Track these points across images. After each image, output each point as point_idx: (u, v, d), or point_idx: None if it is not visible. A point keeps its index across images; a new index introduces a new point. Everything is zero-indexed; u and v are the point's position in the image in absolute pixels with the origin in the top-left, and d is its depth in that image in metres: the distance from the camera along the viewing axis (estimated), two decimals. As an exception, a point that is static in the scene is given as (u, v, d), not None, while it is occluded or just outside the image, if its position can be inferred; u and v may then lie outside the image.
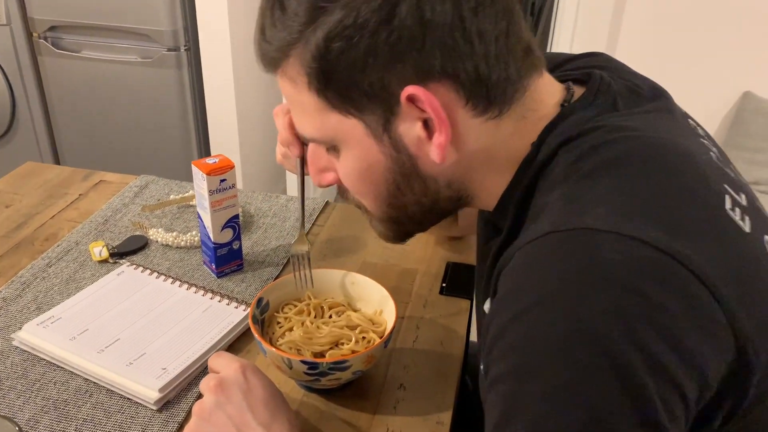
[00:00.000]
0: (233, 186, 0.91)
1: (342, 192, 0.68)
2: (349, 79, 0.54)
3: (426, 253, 1.03)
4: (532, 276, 0.49)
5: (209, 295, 0.90)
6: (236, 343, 0.85)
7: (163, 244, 1.03)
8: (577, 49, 2.91)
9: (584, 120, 0.57)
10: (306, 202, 1.15)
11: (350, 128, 0.57)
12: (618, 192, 0.50)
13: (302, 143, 0.83)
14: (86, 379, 0.78)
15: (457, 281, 0.97)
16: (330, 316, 0.81)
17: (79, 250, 1.01)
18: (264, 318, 0.80)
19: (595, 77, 0.60)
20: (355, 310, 0.82)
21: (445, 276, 0.98)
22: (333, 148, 0.61)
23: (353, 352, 0.74)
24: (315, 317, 0.80)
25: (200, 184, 0.91)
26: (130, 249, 1.01)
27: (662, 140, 0.54)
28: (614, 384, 0.43)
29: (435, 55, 0.52)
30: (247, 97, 2.24)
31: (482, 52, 0.53)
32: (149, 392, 0.74)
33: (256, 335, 0.73)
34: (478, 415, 1.03)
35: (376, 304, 0.81)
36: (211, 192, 0.90)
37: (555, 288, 0.46)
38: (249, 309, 0.78)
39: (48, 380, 0.77)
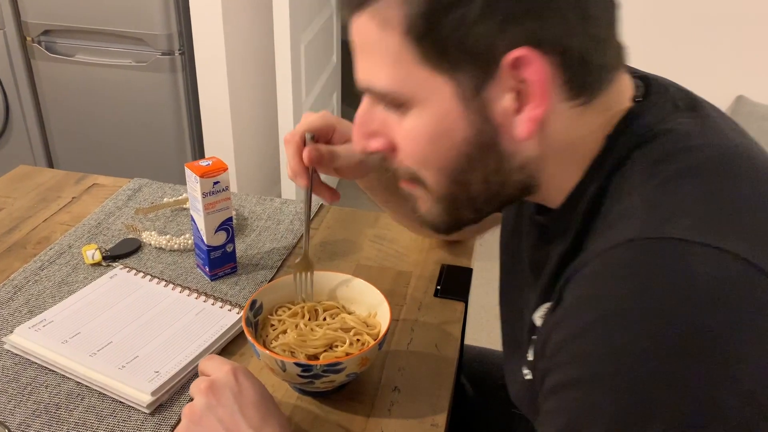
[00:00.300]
0: (227, 188, 0.91)
1: (387, 163, 0.61)
2: (455, 33, 0.50)
3: (420, 255, 1.02)
4: (615, 284, 0.46)
5: (202, 297, 0.90)
6: (230, 346, 0.84)
7: (156, 247, 1.03)
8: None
9: (656, 120, 0.55)
10: (301, 205, 1.14)
11: (437, 86, 0.53)
12: (702, 201, 0.48)
13: (309, 174, 0.81)
14: (78, 383, 0.77)
15: (451, 284, 0.96)
16: (324, 319, 0.80)
17: (72, 253, 1.00)
18: (257, 321, 0.79)
19: (651, 79, 0.59)
20: (349, 313, 0.82)
21: (440, 279, 0.97)
22: (401, 107, 0.55)
23: (347, 354, 0.73)
24: (309, 320, 0.80)
25: (193, 186, 0.90)
26: (123, 252, 1.00)
27: (737, 148, 0.53)
28: (695, 404, 0.42)
29: (552, 26, 0.50)
30: (241, 101, 2.23)
31: (592, 34, 0.52)
32: (141, 395, 0.74)
33: (249, 338, 0.72)
34: (477, 420, 1.03)
35: (371, 306, 0.81)
36: (204, 194, 0.89)
37: (640, 298, 0.44)
38: (242, 312, 0.77)
39: (39, 384, 0.77)
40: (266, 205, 1.14)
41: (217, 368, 0.66)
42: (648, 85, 0.59)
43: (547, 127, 0.54)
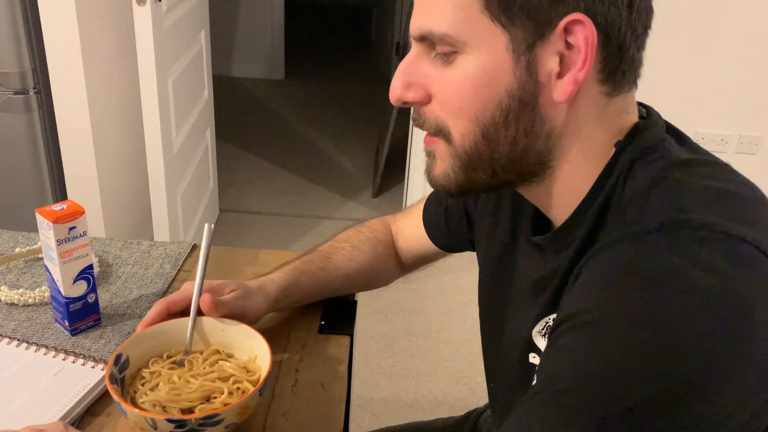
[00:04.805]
0: (84, 233, 0.84)
1: (416, 116, 0.63)
2: None
3: (302, 291, 0.99)
4: (656, 254, 0.50)
5: (62, 355, 0.81)
6: (95, 407, 0.76)
7: (7, 303, 0.92)
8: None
9: (657, 138, 0.59)
10: (171, 247, 1.08)
11: (492, 36, 0.56)
12: (715, 197, 0.54)
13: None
14: None
15: (336, 318, 0.93)
16: (204, 368, 0.74)
17: None
18: (124, 376, 0.72)
19: (645, 104, 0.64)
20: (229, 358, 0.76)
21: (323, 314, 0.94)
22: (450, 55, 0.58)
23: (226, 404, 0.68)
24: (186, 369, 0.74)
25: (46, 233, 0.82)
26: (-32, 311, 0.89)
27: (726, 167, 0.59)
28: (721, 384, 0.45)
29: (604, 3, 0.54)
30: (106, 140, 2.11)
31: (632, 26, 0.56)
32: (-11, 475, 0.65)
33: (114, 396, 0.66)
34: None
35: (250, 349, 0.76)
36: (59, 242, 0.81)
37: (684, 269, 0.48)
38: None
39: None
40: (132, 249, 1.07)
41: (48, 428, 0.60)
42: (646, 108, 0.64)
43: (577, 102, 0.57)
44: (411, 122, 2.68)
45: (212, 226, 0.80)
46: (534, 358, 0.66)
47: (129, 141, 2.28)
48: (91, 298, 0.87)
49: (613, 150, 0.59)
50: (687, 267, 0.48)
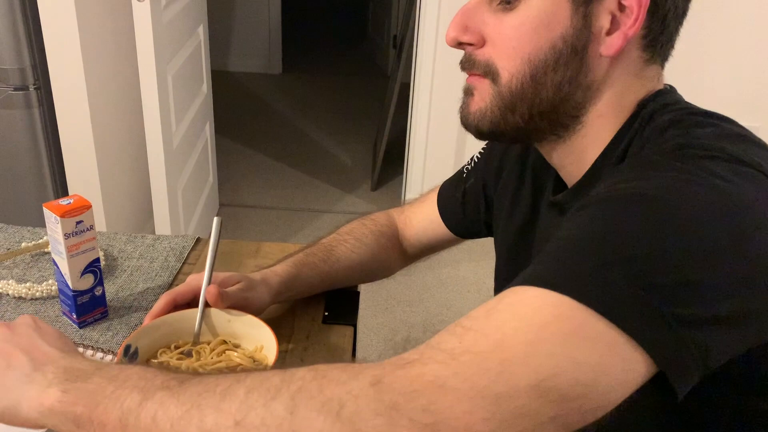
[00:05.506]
0: (91, 227, 0.85)
1: (465, 59, 0.67)
2: None
3: (305, 283, 1.00)
4: (671, 162, 0.54)
5: (71, 347, 0.83)
6: (104, 398, 0.78)
7: (15, 297, 0.94)
8: (439, 80, 2.97)
9: (675, 99, 0.66)
10: (176, 240, 1.09)
11: None
12: (727, 135, 0.58)
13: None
14: (-74, 458, 0.68)
15: (339, 309, 0.95)
16: (212, 358, 0.76)
17: None
18: (134, 366, 0.74)
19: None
20: (236, 348, 0.78)
21: (327, 304, 0.95)
22: (510, 2, 0.62)
23: (234, 392, 0.70)
24: (193, 359, 0.75)
25: (54, 228, 0.83)
26: (-24, 305, 0.91)
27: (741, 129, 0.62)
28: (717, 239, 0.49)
29: None
30: (106, 135, 2.12)
31: (675, 6, 0.62)
32: (3, 463, 0.66)
33: (125, 386, 0.67)
34: None
35: (256, 340, 0.78)
36: (66, 235, 0.83)
37: (702, 172, 0.52)
38: (116, 358, 0.72)
39: None
40: (137, 243, 1.08)
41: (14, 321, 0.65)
42: (669, 86, 0.69)
43: (619, 60, 0.63)
44: (410, 110, 2.70)
45: (221, 219, 0.82)
46: None
47: (129, 136, 2.29)
48: (98, 291, 0.89)
49: (635, 108, 0.64)
50: (696, 170, 0.52)
